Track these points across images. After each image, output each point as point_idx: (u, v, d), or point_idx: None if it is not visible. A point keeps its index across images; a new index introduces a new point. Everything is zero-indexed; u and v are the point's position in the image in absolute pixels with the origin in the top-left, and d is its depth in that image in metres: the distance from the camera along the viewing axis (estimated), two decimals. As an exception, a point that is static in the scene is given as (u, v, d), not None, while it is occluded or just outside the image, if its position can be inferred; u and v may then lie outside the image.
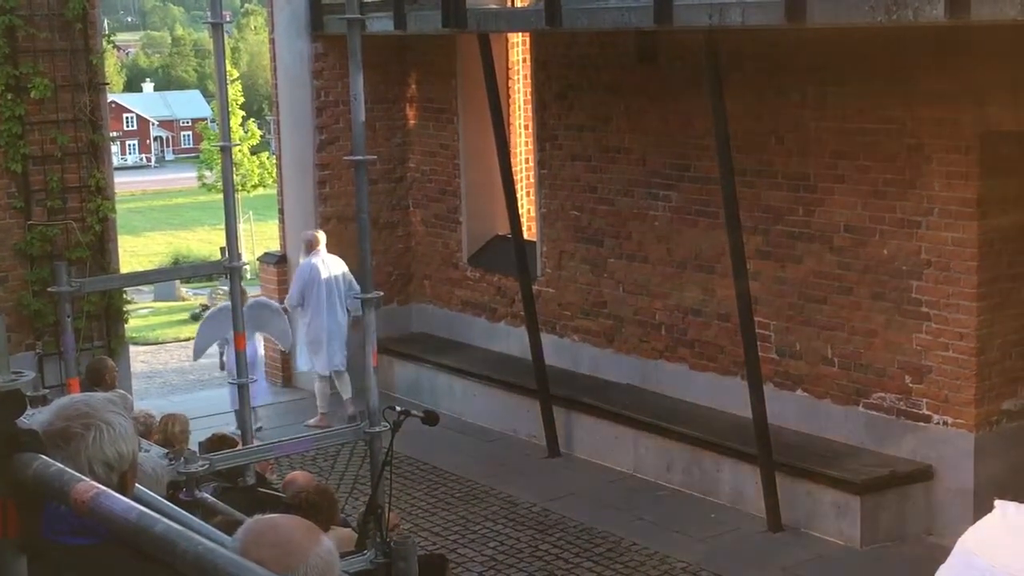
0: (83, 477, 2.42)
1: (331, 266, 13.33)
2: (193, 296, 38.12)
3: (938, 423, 9.93)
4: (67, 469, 2.46)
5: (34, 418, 3.21)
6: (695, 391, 11.67)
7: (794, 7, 8.61)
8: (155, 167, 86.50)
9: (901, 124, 9.88)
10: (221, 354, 13.96)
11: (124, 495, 2.98)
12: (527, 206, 13.81)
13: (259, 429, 12.65)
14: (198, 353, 13.89)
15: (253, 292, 16.42)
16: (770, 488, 10.20)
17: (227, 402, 13.37)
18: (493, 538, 10.45)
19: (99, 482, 2.99)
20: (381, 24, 12.68)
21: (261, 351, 13.90)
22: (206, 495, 6.70)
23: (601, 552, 10.07)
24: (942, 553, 8.01)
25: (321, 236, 13.40)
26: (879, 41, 9.81)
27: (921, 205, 9.84)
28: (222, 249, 8.41)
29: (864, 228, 10.25)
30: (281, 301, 14.02)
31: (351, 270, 13.37)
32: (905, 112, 9.83)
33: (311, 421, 13.50)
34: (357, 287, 12.86)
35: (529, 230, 13.39)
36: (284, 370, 14.75)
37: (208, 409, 14.01)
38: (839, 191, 10.40)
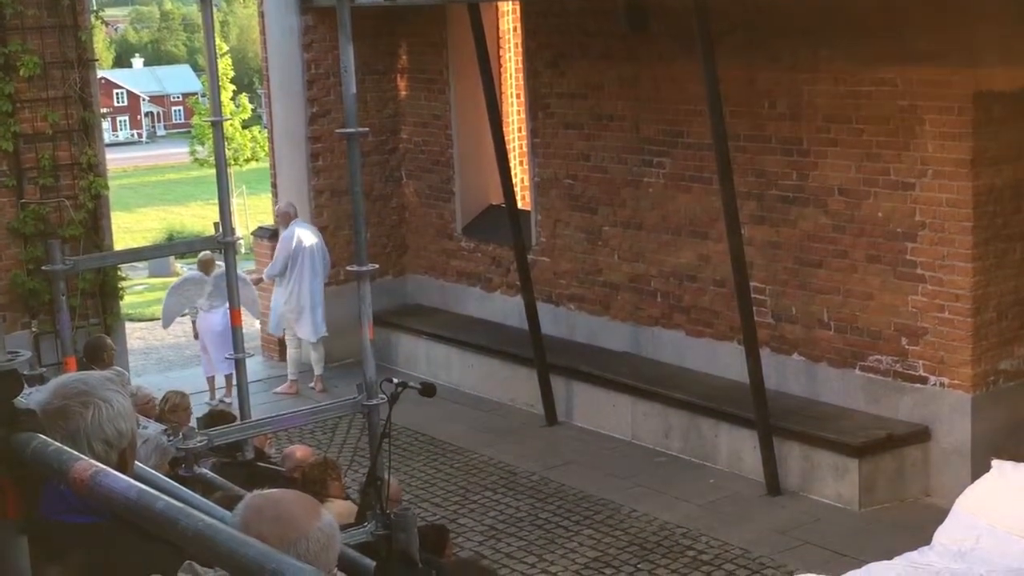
0: (82, 456, 2.42)
1: (308, 236, 13.53)
2: (188, 272, 38.06)
3: (934, 384, 9.95)
4: (66, 448, 2.46)
5: (32, 397, 3.20)
6: (691, 357, 11.68)
7: (785, -30, 8.57)
8: (146, 143, 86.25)
9: (893, 85, 9.86)
10: (193, 322, 14.24)
11: (123, 472, 2.98)
12: (520, 175, 13.79)
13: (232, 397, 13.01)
14: (167, 322, 14.44)
15: (248, 267, 16.45)
16: (768, 452, 10.24)
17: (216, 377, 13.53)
18: (493, 507, 10.48)
19: (98, 460, 3.00)
20: (370, -5, 12.61)
21: (228, 320, 13.87)
22: (205, 471, 6.71)
23: (601, 519, 10.10)
24: (940, 514, 8.06)
25: (294, 207, 13.69)
26: (871, 2, 9.77)
27: (915, 167, 9.83)
28: (216, 224, 8.39)
29: (858, 191, 10.25)
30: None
31: (346, 243, 13.44)
32: (897, 73, 9.81)
33: (280, 388, 13.82)
34: (328, 257, 13.34)
35: (523, 199, 13.37)
36: (280, 344, 14.74)
37: (205, 385, 14.02)
38: (832, 154, 10.39)
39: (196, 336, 14.25)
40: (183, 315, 14.43)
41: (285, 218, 13.69)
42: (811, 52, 10.38)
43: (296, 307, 13.54)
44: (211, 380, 13.86)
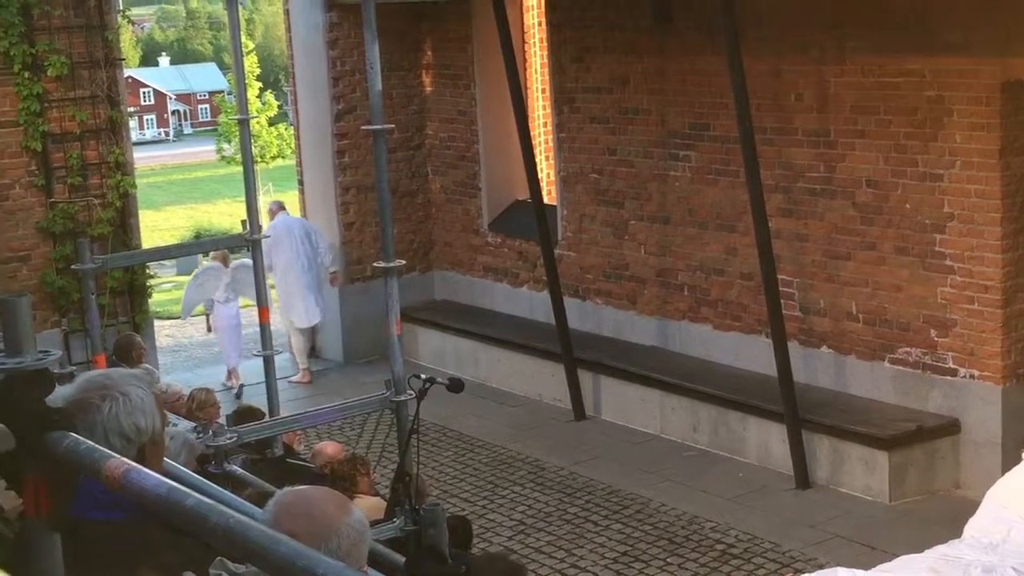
0: (113, 454, 2.43)
1: (295, 225, 13.95)
2: (207, 263, 38.17)
3: (964, 376, 9.90)
4: (98, 446, 2.48)
5: (59, 391, 3.22)
6: (719, 351, 11.66)
7: (810, -38, 8.54)
8: (173, 141, 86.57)
9: (921, 76, 9.81)
10: (207, 315, 14.78)
11: (151, 468, 2.99)
12: (546, 170, 13.78)
13: (240, 388, 13.72)
14: (186, 312, 14.94)
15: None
16: (797, 445, 10.21)
17: (252, 375, 13.60)
18: (521, 502, 10.49)
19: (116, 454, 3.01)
20: (395, -9, 12.63)
21: (239, 313, 14.43)
22: (235, 467, 6.74)
23: (630, 514, 10.09)
24: (971, 506, 8.00)
25: (280, 203, 14.43)
26: (897, -7, 9.73)
27: (943, 158, 9.78)
28: (243, 222, 8.44)
29: (886, 182, 10.20)
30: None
31: (372, 239, 13.52)
32: (925, 64, 9.76)
33: (295, 378, 14.01)
34: (325, 242, 13.89)
35: (549, 194, 13.37)
36: (308, 340, 14.77)
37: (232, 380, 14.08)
38: (860, 146, 10.35)
39: (209, 329, 14.84)
40: (201, 306, 14.88)
41: (270, 215, 14.21)
42: (837, 44, 10.34)
43: (284, 294, 13.95)
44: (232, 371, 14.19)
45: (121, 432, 3.12)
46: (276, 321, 12.73)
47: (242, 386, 13.74)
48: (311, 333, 14.37)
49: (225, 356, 14.23)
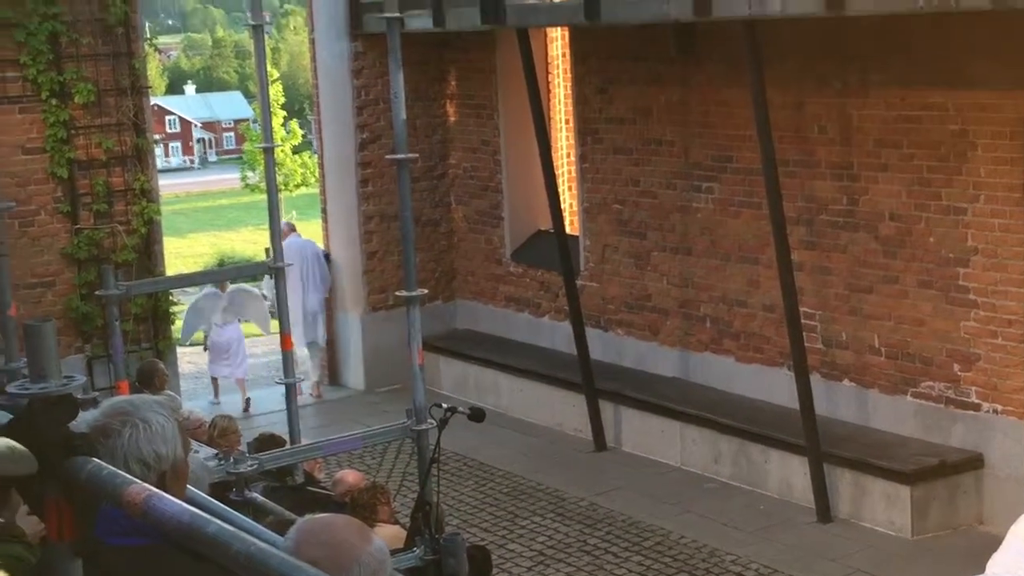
0: (135, 480, 2.44)
1: (303, 248, 14.36)
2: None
3: (988, 411, 9.85)
4: (120, 472, 2.49)
5: (83, 416, 3.24)
6: (741, 383, 11.63)
7: (834, -5, 8.55)
8: (198, 169, 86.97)
9: (944, 110, 9.80)
10: (205, 338, 15.27)
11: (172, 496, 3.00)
12: (569, 200, 13.79)
13: (247, 401, 14.38)
14: (185, 337, 15.25)
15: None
16: (819, 479, 10.16)
17: (273, 400, 13.68)
18: (541, 533, 10.46)
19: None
20: (420, 21, 12.69)
21: (240, 332, 15.06)
22: (256, 495, 6.75)
23: (650, 546, 10.05)
24: (994, 542, 7.95)
25: (292, 224, 14.97)
26: (921, 27, 9.73)
27: (967, 191, 9.76)
28: (267, 250, 8.47)
29: (909, 216, 10.18)
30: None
31: (395, 268, 13.67)
32: (948, 98, 9.75)
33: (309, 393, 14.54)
34: (325, 270, 14.52)
35: (572, 224, 13.38)
36: (330, 369, 14.82)
37: (255, 409, 14.11)
38: (883, 179, 10.33)
39: (205, 348, 15.35)
40: (200, 331, 15.37)
41: (283, 234, 14.39)
42: (861, 77, 10.34)
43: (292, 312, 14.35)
44: (215, 381, 14.91)
45: (140, 458, 3.12)
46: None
47: (248, 399, 14.38)
48: (318, 352, 14.69)
49: (212, 370, 14.83)
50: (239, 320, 14.87)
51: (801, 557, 9.67)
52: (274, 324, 15.05)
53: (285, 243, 14.33)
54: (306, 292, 14.23)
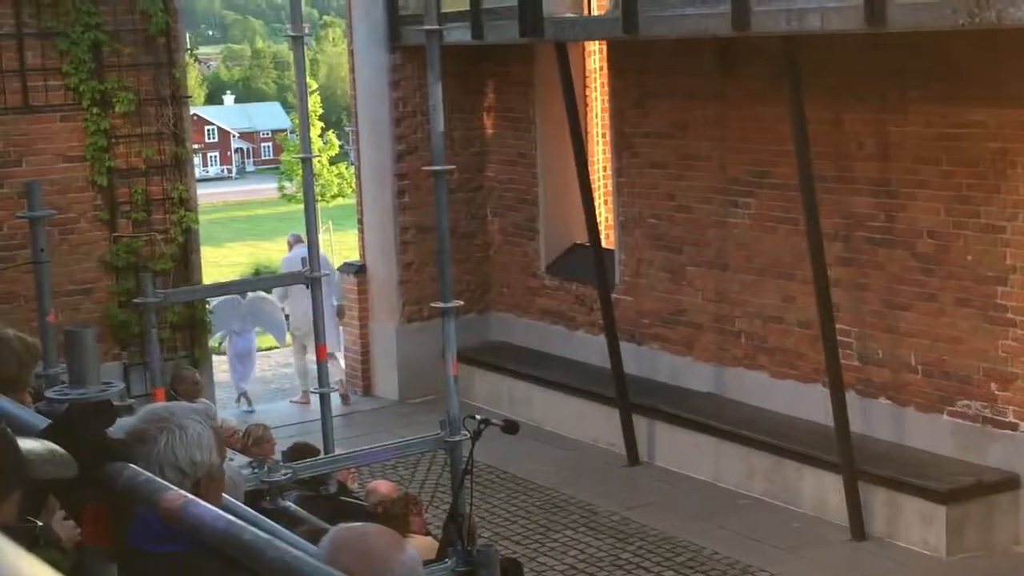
0: (171, 486, 2.46)
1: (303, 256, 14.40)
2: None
3: (1025, 431, 9.77)
4: (156, 478, 2.51)
5: (121, 422, 3.27)
6: (775, 399, 11.58)
7: (873, 12, 8.53)
8: (236, 178, 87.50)
9: (984, 127, 9.74)
10: (220, 343, 15.80)
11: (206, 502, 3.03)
12: (605, 214, 13.79)
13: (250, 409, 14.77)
14: None
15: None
16: (853, 497, 10.10)
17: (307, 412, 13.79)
18: (573, 546, 10.44)
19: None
20: (459, 34, 12.73)
21: (254, 343, 15.83)
22: (289, 504, 6.77)
23: (682, 561, 10.02)
24: (1030, 563, 7.85)
25: (298, 236, 15.09)
26: (961, 43, 9.68)
27: (1006, 210, 9.70)
28: (303, 260, 8.50)
29: (947, 233, 10.12)
30: (359, 309, 14.93)
31: (431, 279, 13.71)
32: (989, 115, 9.70)
33: (295, 398, 15.04)
34: (335, 277, 14.96)
35: (607, 238, 13.37)
36: (364, 379, 14.85)
37: (289, 419, 14.15)
38: (921, 196, 10.28)
39: (223, 353, 15.78)
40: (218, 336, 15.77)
41: (288, 246, 15.39)
42: (900, 93, 10.30)
43: (296, 327, 14.85)
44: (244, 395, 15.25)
45: (176, 465, 3.16)
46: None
47: (249, 401, 14.98)
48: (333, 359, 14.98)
49: (236, 380, 15.14)
50: (255, 330, 15.35)
51: (834, 575, 9.61)
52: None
53: (291, 254, 14.74)
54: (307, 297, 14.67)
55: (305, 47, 8.69)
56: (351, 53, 14.84)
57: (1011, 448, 9.85)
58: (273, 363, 17.69)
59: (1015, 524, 9.84)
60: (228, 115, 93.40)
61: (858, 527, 10.13)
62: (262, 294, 15.69)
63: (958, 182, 9.99)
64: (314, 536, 3.47)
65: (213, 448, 3.26)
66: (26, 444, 2.48)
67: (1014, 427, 9.83)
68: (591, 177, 12.67)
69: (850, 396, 10.41)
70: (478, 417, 6.80)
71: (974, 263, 9.96)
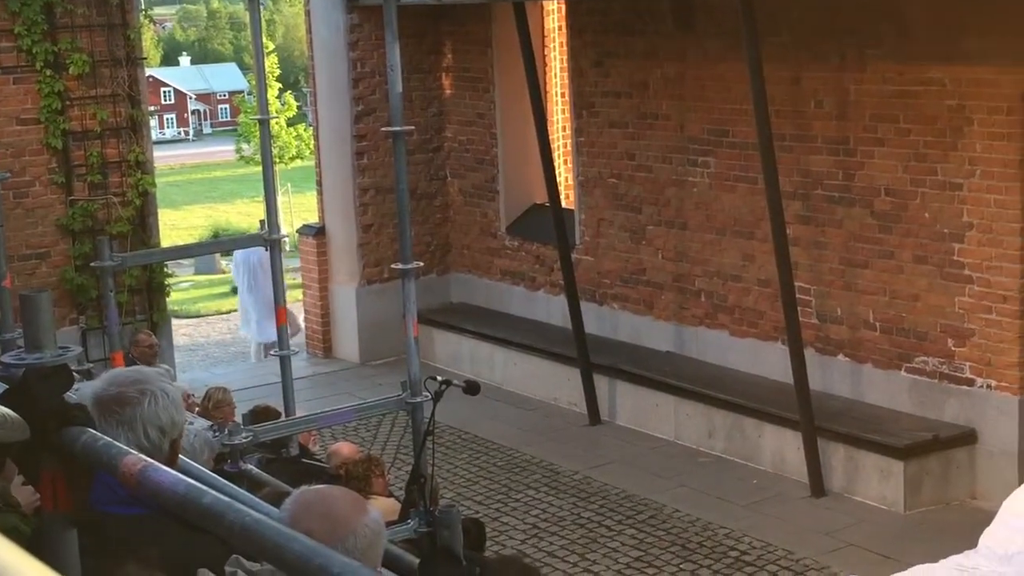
0: (130, 450, 2.45)
1: (253, 251, 14.76)
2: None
3: (981, 386, 9.87)
4: (115, 442, 2.49)
5: (84, 386, 3.28)
6: (735, 357, 11.64)
7: (832, -31, 8.53)
8: (193, 140, 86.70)
9: (941, 85, 9.78)
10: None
11: (173, 462, 3.05)
12: (565, 174, 13.78)
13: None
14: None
15: (293, 264, 16.72)
16: (812, 453, 10.18)
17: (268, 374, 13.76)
18: (535, 506, 10.49)
19: (152, 447, 3.10)
20: (416, -6, 12.64)
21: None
22: (251, 467, 6.75)
23: (643, 519, 10.08)
24: (986, 517, 7.99)
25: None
26: (919, 1, 9.70)
27: (963, 167, 9.75)
28: (261, 222, 8.45)
29: (905, 191, 10.18)
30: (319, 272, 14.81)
31: (390, 240, 13.70)
32: (945, 73, 9.74)
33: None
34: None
35: (567, 198, 13.36)
36: (324, 341, 14.82)
37: (249, 381, 14.10)
38: (879, 154, 10.33)
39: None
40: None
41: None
42: (858, 51, 10.32)
43: (246, 311, 15.51)
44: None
45: (159, 425, 3.26)
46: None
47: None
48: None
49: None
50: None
51: (794, 531, 9.71)
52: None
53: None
54: (254, 289, 15.02)
55: (261, 7, 8.59)
56: (308, 13, 14.72)
57: (967, 403, 9.95)
58: (232, 326, 17.63)
59: (971, 478, 9.95)
60: (184, 76, 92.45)
61: (817, 483, 10.22)
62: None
63: (915, 140, 10.03)
64: (277, 499, 3.47)
65: (183, 409, 3.39)
66: (-20, 409, 2.46)
67: (971, 383, 9.93)
68: (550, 137, 12.65)
69: (809, 354, 10.48)
70: (439, 378, 6.80)
71: (931, 220, 10.02)
